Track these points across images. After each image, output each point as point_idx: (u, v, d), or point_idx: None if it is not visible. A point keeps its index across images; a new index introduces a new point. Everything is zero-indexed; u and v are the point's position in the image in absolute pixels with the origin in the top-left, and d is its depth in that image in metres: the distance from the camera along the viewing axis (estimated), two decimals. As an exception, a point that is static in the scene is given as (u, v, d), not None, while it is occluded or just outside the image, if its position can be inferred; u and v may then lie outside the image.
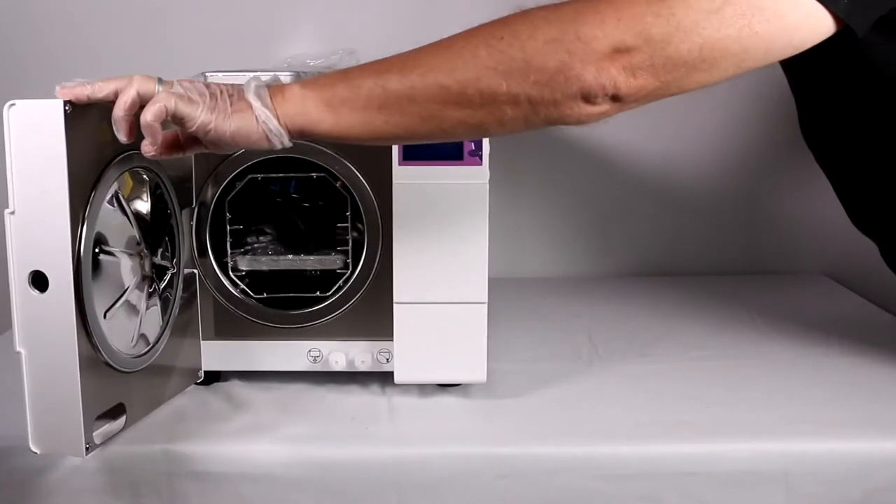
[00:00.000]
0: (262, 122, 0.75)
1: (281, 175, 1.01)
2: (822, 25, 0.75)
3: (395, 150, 0.92)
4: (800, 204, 1.45)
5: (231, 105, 0.76)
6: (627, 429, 0.89)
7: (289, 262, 1.02)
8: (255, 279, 1.01)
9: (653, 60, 0.71)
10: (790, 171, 1.44)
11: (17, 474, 0.84)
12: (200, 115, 0.74)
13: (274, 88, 0.76)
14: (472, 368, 0.95)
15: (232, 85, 0.78)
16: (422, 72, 0.73)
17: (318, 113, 0.75)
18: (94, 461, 0.84)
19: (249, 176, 0.98)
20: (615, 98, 0.73)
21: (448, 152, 0.92)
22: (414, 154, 0.92)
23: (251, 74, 0.97)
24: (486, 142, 0.92)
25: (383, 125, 0.75)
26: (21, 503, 0.85)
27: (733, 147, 1.48)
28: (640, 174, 1.48)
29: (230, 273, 1.00)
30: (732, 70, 0.73)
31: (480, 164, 0.92)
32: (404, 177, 0.92)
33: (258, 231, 1.06)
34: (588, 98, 0.72)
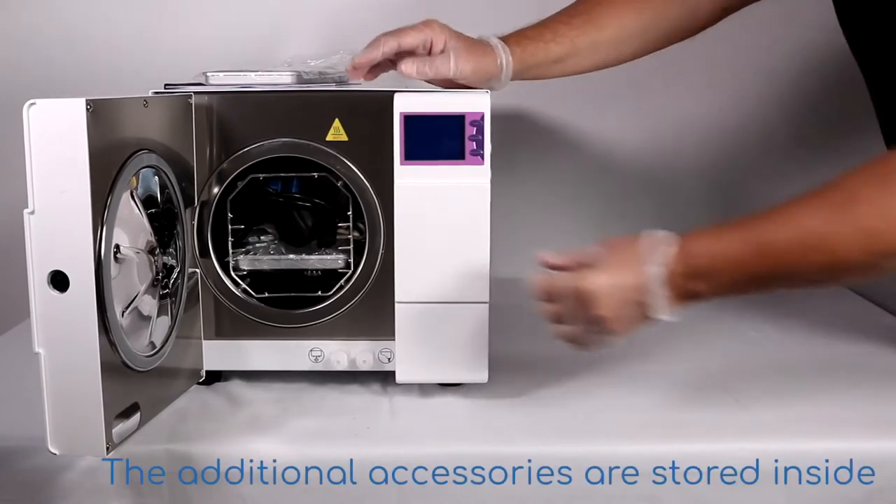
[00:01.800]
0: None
1: (283, 175, 1.01)
2: None
3: (397, 149, 0.92)
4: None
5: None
6: (627, 429, 0.89)
7: (290, 261, 1.03)
8: (256, 279, 1.01)
9: None
10: (791, 172, 1.44)
11: (24, 475, 0.84)
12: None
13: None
14: (474, 368, 0.95)
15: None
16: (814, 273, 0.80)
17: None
18: (94, 461, 0.84)
19: (251, 175, 0.98)
20: None
21: (450, 152, 0.92)
22: (416, 154, 0.92)
23: (253, 74, 0.98)
24: (487, 141, 0.92)
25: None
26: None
27: (734, 147, 1.48)
28: (640, 174, 1.48)
29: (232, 273, 1.00)
30: None
31: (482, 163, 0.92)
32: (406, 176, 0.92)
33: (260, 231, 1.06)
34: None
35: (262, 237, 1.06)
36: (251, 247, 1.04)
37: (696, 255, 0.81)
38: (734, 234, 0.81)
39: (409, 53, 0.99)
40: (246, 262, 1.01)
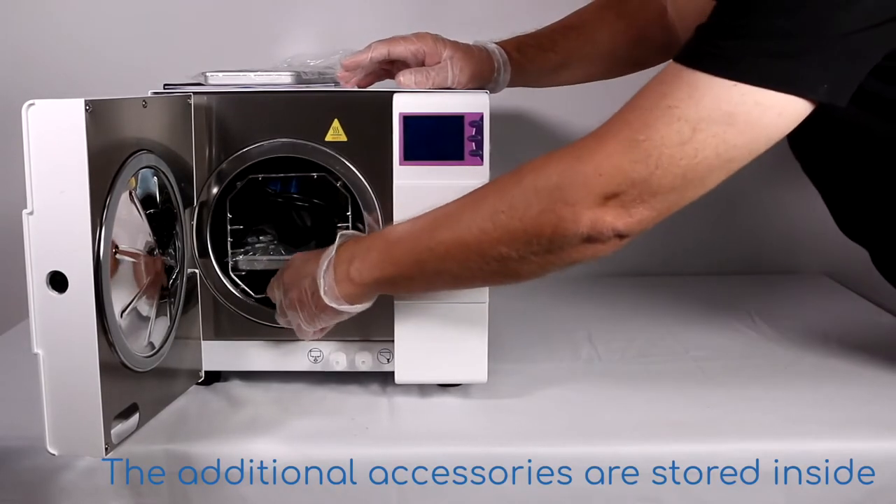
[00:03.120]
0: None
1: (281, 175, 1.01)
2: (798, 112, 0.76)
3: (396, 149, 0.92)
4: (800, 204, 1.45)
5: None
6: (627, 429, 0.89)
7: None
8: (255, 279, 1.01)
9: (642, 197, 0.76)
10: (790, 172, 1.44)
11: (23, 475, 0.84)
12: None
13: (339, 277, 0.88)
14: (473, 368, 0.95)
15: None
16: (440, 255, 0.83)
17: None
18: (93, 461, 0.84)
19: (250, 176, 0.98)
20: (619, 236, 0.77)
21: (449, 152, 0.92)
22: (415, 154, 0.92)
23: (253, 74, 0.98)
24: (486, 142, 0.92)
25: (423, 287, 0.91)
26: None
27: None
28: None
29: (231, 273, 1.00)
30: (723, 176, 0.77)
31: (481, 164, 0.92)
32: (405, 176, 0.92)
33: (259, 231, 1.06)
34: (593, 240, 0.77)
35: (261, 237, 1.06)
36: (250, 247, 1.04)
37: (356, 247, 0.88)
38: (397, 229, 0.87)
39: (402, 64, 1.01)
40: (245, 263, 1.01)
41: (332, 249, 0.88)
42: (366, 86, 1.03)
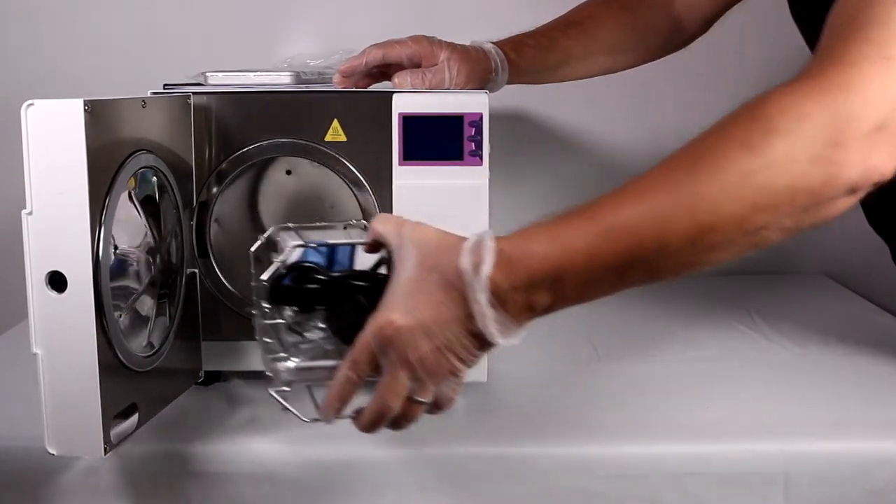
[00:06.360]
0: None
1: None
2: None
3: (396, 149, 0.92)
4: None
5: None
6: (627, 429, 0.89)
7: None
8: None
9: None
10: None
11: (22, 475, 0.84)
12: None
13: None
14: (473, 368, 0.95)
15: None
16: (685, 240, 0.63)
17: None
18: (92, 461, 0.84)
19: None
20: (877, 184, 0.64)
21: (448, 152, 0.92)
22: (414, 154, 0.92)
23: (252, 74, 0.98)
24: (486, 142, 0.92)
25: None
26: None
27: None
28: (640, 173, 1.48)
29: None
30: None
31: (481, 163, 0.92)
32: (404, 176, 0.92)
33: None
34: (855, 190, 0.64)
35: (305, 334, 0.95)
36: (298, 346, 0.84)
37: (528, 260, 0.64)
38: (572, 224, 0.65)
39: (398, 67, 1.01)
40: (292, 374, 0.79)
41: (483, 271, 0.64)
42: (364, 87, 1.03)
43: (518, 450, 0.86)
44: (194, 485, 0.85)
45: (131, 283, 0.85)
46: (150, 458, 0.85)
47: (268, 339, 0.73)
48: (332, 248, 0.76)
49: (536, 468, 0.85)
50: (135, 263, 0.85)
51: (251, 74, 0.98)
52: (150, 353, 0.87)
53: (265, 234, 0.81)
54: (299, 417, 0.73)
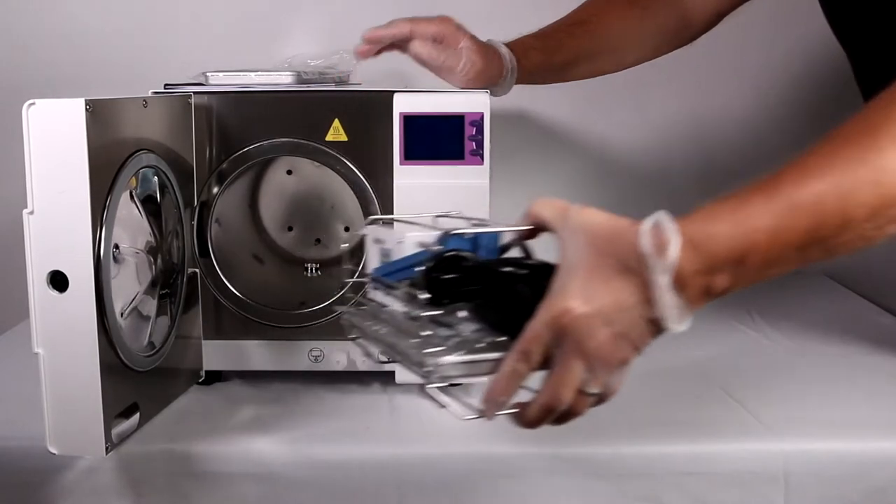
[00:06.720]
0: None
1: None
2: None
3: (397, 149, 0.92)
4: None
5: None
6: (627, 429, 0.89)
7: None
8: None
9: None
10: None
11: (23, 475, 0.84)
12: None
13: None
14: (473, 368, 0.95)
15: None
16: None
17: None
18: (93, 461, 0.84)
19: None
20: None
21: (449, 152, 0.92)
22: (415, 154, 0.92)
23: (253, 74, 0.98)
24: (486, 141, 0.92)
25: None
26: None
27: (733, 147, 1.48)
28: (640, 174, 1.48)
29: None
30: None
31: (481, 163, 0.92)
32: (405, 176, 0.92)
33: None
34: None
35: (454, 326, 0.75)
36: (447, 339, 0.71)
37: (711, 242, 0.62)
38: (754, 202, 0.63)
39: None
40: (451, 368, 0.69)
41: (671, 255, 0.61)
42: (376, 55, 1.02)
43: (519, 450, 0.86)
44: (194, 485, 0.85)
45: (132, 282, 0.85)
46: (151, 457, 0.85)
47: (425, 333, 0.67)
48: (477, 236, 0.71)
49: (537, 468, 0.85)
50: (136, 263, 0.85)
51: (252, 74, 0.98)
52: (151, 353, 0.87)
53: (359, 231, 0.80)
54: (457, 415, 0.69)
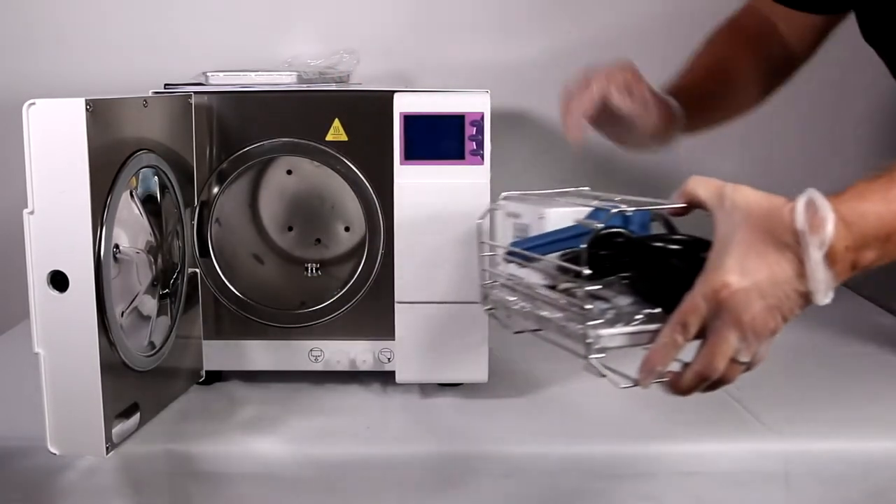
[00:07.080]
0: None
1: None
2: None
3: (397, 149, 0.92)
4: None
5: None
6: (627, 429, 0.89)
7: None
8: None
9: None
10: (790, 172, 1.44)
11: (23, 475, 0.84)
12: None
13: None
14: (473, 368, 0.95)
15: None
16: None
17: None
18: (94, 461, 0.84)
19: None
20: None
21: (449, 152, 0.92)
22: (415, 153, 0.92)
23: (253, 74, 0.98)
24: (487, 141, 0.92)
25: None
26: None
27: (732, 148, 1.48)
28: (640, 175, 1.48)
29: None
30: None
31: (482, 163, 0.92)
32: (406, 176, 0.92)
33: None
34: None
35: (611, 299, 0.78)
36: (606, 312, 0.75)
37: (862, 221, 0.66)
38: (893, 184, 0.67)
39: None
40: (611, 339, 0.73)
41: (827, 232, 0.65)
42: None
43: (518, 450, 0.86)
44: (194, 485, 0.85)
45: (133, 282, 0.85)
46: (151, 457, 0.85)
47: (588, 306, 0.70)
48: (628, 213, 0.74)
49: (536, 468, 0.85)
50: (136, 263, 0.86)
51: (252, 74, 0.98)
52: (151, 353, 0.87)
53: (490, 207, 0.83)
54: (615, 384, 0.72)
